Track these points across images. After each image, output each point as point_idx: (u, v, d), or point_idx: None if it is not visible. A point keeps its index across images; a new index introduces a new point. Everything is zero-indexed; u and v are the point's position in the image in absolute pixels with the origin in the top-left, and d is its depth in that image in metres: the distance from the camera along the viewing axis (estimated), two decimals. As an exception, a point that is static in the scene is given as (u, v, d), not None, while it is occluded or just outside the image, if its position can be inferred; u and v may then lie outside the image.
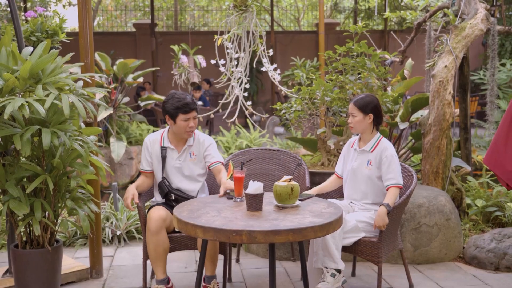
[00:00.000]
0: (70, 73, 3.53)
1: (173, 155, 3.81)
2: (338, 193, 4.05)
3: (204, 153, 3.85)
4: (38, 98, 3.07)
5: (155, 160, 3.83)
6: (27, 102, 3.02)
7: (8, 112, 2.92)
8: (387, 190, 3.60)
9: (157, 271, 3.60)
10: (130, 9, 20.78)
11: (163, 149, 3.81)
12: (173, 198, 3.76)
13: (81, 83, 3.54)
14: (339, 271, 3.50)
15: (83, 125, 3.68)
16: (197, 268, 4.25)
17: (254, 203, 3.04)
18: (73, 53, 3.56)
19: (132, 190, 3.70)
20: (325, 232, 2.85)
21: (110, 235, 4.94)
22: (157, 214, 3.56)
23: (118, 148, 8.22)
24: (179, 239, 3.68)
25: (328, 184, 3.93)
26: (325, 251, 3.47)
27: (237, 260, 4.47)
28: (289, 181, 3.14)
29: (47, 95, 3.12)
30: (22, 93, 3.27)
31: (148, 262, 3.75)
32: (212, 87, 14.68)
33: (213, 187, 4.06)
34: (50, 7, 15.78)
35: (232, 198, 3.38)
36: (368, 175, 3.68)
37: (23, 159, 3.35)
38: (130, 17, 20.45)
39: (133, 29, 17.75)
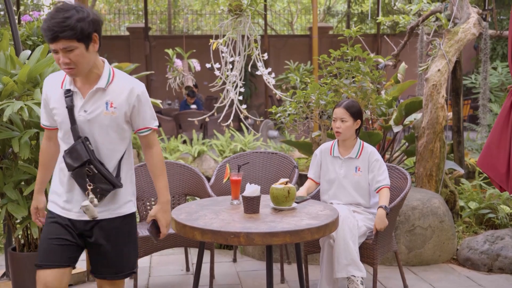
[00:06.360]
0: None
1: (77, 101, 2.40)
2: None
3: (133, 108, 2.43)
4: (37, 101, 3.10)
5: (59, 112, 2.41)
6: (26, 105, 3.04)
7: (7, 115, 2.95)
8: (378, 191, 3.63)
9: None
10: (124, 12, 20.79)
11: (67, 95, 2.39)
12: (91, 173, 2.34)
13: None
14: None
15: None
16: (194, 270, 4.27)
17: (251, 206, 3.07)
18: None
19: (35, 202, 2.63)
20: (321, 234, 2.88)
21: (106, 238, 4.94)
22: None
23: (112, 151, 8.18)
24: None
25: (307, 191, 3.82)
26: (349, 259, 3.41)
27: (234, 260, 4.53)
28: (286, 184, 3.17)
29: (45, 99, 3.14)
30: (19, 97, 3.29)
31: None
32: (206, 91, 14.70)
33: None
34: (43, 11, 15.77)
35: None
36: (357, 180, 3.68)
37: (21, 162, 3.37)
38: (123, 21, 20.46)
39: (127, 33, 17.76)
